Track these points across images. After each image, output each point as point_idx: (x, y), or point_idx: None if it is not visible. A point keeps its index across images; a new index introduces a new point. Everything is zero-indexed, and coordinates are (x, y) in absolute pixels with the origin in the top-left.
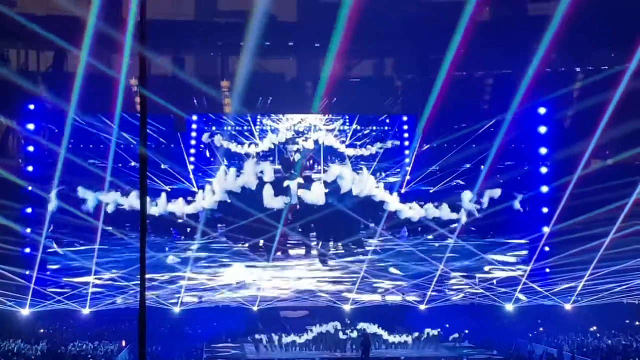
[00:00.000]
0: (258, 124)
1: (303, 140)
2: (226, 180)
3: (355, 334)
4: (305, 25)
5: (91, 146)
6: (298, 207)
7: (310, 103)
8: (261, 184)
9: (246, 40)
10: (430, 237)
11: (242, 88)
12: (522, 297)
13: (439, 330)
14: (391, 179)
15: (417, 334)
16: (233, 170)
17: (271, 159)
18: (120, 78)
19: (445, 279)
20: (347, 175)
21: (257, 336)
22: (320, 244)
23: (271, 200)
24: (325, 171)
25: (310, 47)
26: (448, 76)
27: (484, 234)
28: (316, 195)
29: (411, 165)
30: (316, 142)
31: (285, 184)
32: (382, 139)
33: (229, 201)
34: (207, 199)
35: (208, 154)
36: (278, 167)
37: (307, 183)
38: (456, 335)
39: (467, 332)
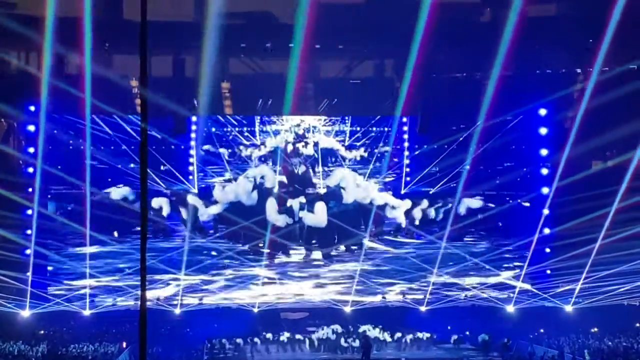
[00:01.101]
0: (257, 125)
1: (302, 146)
2: (224, 192)
3: (357, 343)
4: (305, 26)
5: (91, 147)
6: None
7: (311, 104)
8: (263, 189)
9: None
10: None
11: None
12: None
13: (467, 332)
14: (389, 179)
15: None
16: (230, 186)
17: (270, 160)
18: (113, 77)
19: (444, 281)
20: (349, 179)
21: (257, 337)
22: (321, 246)
23: (275, 215)
24: (324, 173)
25: (311, 48)
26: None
27: (484, 235)
28: (318, 217)
29: (404, 165)
30: (315, 144)
31: (288, 203)
32: (381, 140)
33: (231, 208)
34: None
35: (207, 156)
36: (280, 173)
37: (310, 202)
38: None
39: (467, 333)
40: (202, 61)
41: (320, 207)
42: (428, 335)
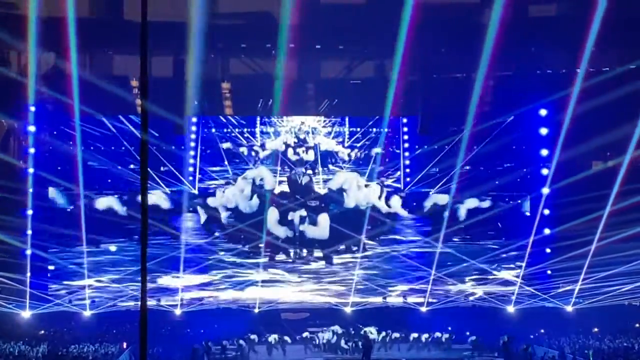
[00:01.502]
0: (258, 125)
1: (303, 151)
2: (224, 195)
3: (357, 344)
4: (305, 26)
5: (92, 148)
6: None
7: (311, 105)
8: (262, 192)
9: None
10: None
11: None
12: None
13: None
14: (390, 181)
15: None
16: (229, 189)
17: (270, 162)
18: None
19: (444, 282)
20: (352, 182)
21: (257, 337)
22: (322, 247)
23: (275, 226)
24: (324, 174)
25: (311, 49)
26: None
27: (484, 235)
28: (321, 230)
29: (404, 166)
30: (315, 146)
31: (289, 216)
32: (381, 141)
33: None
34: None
35: (207, 156)
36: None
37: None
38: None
39: (468, 333)
40: (191, 61)
41: (323, 219)
42: (437, 335)
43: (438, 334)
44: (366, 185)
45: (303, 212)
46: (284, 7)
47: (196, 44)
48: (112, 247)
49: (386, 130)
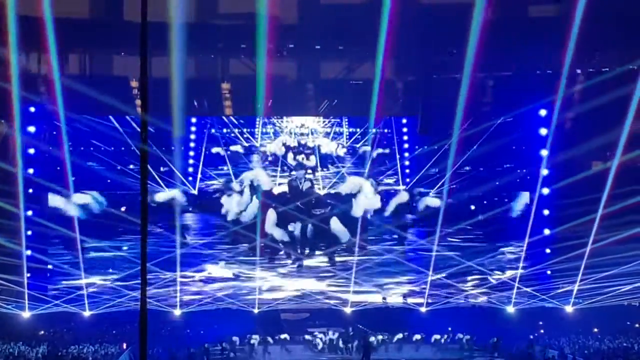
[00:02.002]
0: (260, 126)
1: (303, 158)
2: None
3: (356, 343)
4: (306, 27)
5: (91, 148)
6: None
7: (312, 105)
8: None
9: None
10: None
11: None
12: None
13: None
14: (390, 181)
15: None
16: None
17: (268, 162)
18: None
19: (444, 282)
20: (365, 189)
21: (257, 338)
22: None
23: (272, 228)
24: (325, 177)
25: (311, 49)
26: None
27: (484, 236)
28: (342, 233)
29: (398, 166)
30: (314, 148)
31: (290, 227)
32: (381, 141)
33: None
34: None
35: (207, 157)
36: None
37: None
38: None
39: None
40: (179, 62)
41: (336, 223)
42: (437, 336)
43: (460, 335)
44: (380, 192)
45: (309, 219)
46: (260, 4)
47: (194, 44)
48: (111, 245)
49: (374, 130)
